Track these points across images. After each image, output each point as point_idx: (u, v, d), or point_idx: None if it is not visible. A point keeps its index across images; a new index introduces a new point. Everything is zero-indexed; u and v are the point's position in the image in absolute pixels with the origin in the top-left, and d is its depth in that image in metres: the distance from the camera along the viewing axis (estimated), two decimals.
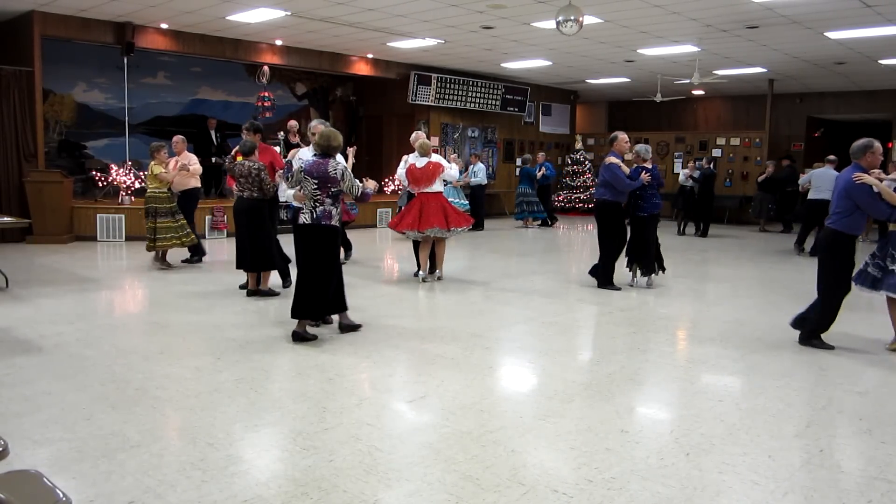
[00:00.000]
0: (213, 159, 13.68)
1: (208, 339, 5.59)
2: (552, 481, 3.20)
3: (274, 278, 7.45)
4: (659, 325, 6.41)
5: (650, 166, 7.92)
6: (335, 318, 5.90)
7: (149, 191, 8.70)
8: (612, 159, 7.78)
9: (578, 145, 20.08)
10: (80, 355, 5.04)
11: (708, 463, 3.43)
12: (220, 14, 10.88)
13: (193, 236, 8.87)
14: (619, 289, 7.90)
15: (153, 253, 8.88)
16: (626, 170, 7.76)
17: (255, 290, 7.15)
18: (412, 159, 8.06)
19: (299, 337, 5.47)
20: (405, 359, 5.14)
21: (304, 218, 5.44)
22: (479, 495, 3.05)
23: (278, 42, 13.39)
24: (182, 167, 8.94)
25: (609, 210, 7.87)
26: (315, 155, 5.60)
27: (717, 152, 18.10)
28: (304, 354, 5.20)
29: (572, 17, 8.34)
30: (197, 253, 9.29)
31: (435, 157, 8.10)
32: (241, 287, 7.40)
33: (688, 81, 14.01)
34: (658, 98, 15.96)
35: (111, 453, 3.39)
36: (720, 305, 7.46)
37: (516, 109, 18.09)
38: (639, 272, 8.14)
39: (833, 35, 11.07)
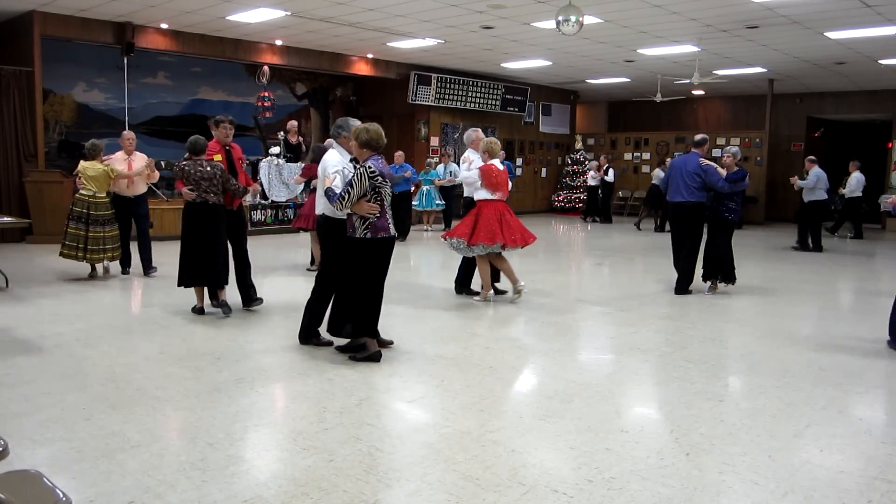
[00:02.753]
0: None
1: (208, 339, 5.59)
2: (552, 481, 3.20)
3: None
4: (659, 326, 6.41)
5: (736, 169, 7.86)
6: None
7: (82, 193, 7.72)
8: (708, 161, 7.67)
9: (578, 145, 20.10)
10: (80, 355, 5.04)
11: (708, 463, 3.43)
12: (220, 14, 10.88)
13: (120, 251, 8.00)
14: (690, 292, 7.85)
15: (92, 264, 7.95)
16: (723, 172, 7.61)
17: (225, 302, 6.30)
18: (479, 160, 7.06)
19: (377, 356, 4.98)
20: (405, 359, 5.13)
21: (393, 229, 4.97)
22: (479, 495, 3.05)
23: (278, 42, 13.40)
24: (140, 172, 8.11)
25: (702, 214, 7.76)
26: (378, 158, 4.92)
27: (716, 152, 18.08)
28: (304, 355, 5.19)
29: (572, 17, 8.35)
30: (128, 265, 8.37)
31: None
32: (217, 306, 6.38)
33: (688, 81, 14.02)
34: (658, 98, 15.99)
35: (111, 453, 3.39)
36: (719, 305, 7.46)
37: (516, 109, 18.10)
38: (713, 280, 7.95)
39: (833, 35, 11.08)
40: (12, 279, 7.56)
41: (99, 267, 8.07)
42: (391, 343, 5.35)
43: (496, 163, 7.00)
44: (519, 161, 18.72)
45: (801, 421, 4.05)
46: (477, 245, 6.85)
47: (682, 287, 7.85)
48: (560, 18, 8.41)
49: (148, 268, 8.31)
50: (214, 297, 6.45)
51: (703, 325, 6.56)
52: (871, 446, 3.71)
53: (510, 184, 7.39)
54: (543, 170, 19.72)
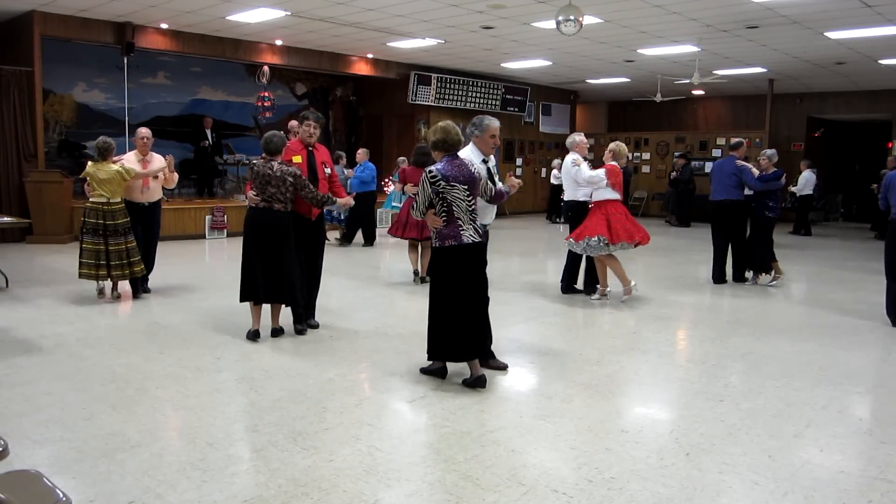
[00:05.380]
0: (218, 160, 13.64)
1: (208, 339, 5.59)
2: (552, 481, 3.20)
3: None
4: (659, 325, 6.41)
5: (774, 170, 8.37)
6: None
7: (93, 201, 6.66)
8: (745, 162, 8.29)
9: None
10: (80, 355, 5.05)
11: (708, 463, 3.43)
12: (220, 14, 10.88)
13: (143, 265, 6.92)
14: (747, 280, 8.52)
15: (99, 283, 6.98)
16: (756, 172, 8.22)
17: (280, 329, 5.64)
18: (584, 162, 7.28)
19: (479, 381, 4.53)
20: (405, 359, 5.14)
21: (472, 236, 4.48)
22: (479, 495, 3.05)
23: (278, 42, 13.40)
24: (158, 172, 7.10)
25: (743, 210, 8.41)
26: (449, 159, 4.51)
27: (717, 152, 18.11)
28: (304, 355, 5.20)
29: (572, 17, 8.35)
30: (144, 282, 7.27)
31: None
32: (253, 336, 5.55)
33: (688, 81, 14.00)
34: (658, 98, 15.97)
35: (111, 453, 3.39)
36: (719, 304, 7.46)
37: (516, 109, 18.10)
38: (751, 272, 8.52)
39: (833, 35, 11.07)
40: (12, 279, 7.56)
41: (107, 286, 7.06)
42: (505, 366, 4.94)
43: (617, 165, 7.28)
44: (519, 161, 18.73)
45: (801, 421, 4.05)
46: (618, 243, 6.99)
47: (738, 276, 8.56)
48: (560, 18, 8.41)
49: (144, 284, 7.24)
50: (298, 320, 5.70)
51: (704, 324, 6.56)
52: (871, 446, 3.71)
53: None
54: (543, 170, 19.72)
